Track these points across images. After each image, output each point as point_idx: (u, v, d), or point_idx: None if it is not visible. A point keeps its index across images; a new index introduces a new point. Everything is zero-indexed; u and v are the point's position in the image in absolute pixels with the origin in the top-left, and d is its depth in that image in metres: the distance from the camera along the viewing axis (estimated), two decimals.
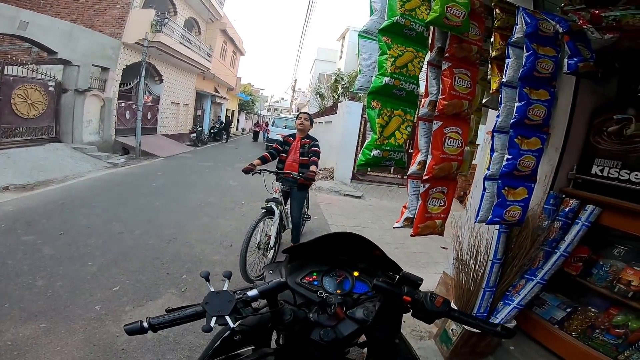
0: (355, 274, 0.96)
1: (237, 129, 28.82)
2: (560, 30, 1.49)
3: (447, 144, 1.35)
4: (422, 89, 1.38)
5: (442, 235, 1.58)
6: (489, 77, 1.78)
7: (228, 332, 0.82)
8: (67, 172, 6.50)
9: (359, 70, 1.32)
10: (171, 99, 13.95)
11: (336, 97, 15.36)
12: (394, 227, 1.46)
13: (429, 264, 3.97)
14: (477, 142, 2.13)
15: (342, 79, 15.46)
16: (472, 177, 3.57)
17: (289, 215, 3.57)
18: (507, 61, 1.54)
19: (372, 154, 1.25)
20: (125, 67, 10.13)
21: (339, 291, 0.91)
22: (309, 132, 3.52)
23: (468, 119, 1.46)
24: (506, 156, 1.56)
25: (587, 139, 2.06)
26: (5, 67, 6.76)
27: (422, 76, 1.34)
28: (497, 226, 1.91)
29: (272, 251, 3.15)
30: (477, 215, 1.66)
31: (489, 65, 1.75)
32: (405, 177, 8.43)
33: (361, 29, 1.34)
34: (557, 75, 1.56)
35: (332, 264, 0.98)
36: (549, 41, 1.51)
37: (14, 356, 1.83)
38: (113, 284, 2.69)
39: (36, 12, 7.79)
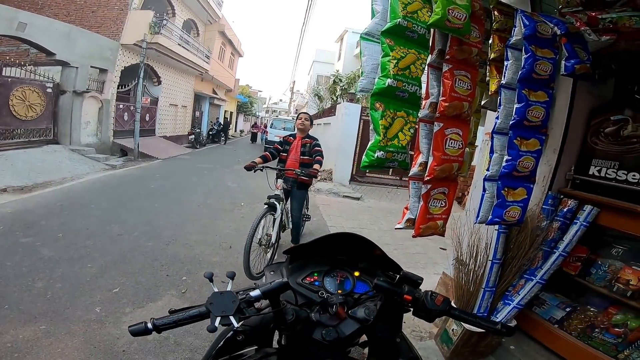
0: (356, 274, 0.97)
1: (235, 131, 28.81)
2: (558, 32, 1.51)
3: (448, 145, 1.37)
4: (422, 91, 1.39)
5: (444, 236, 1.60)
6: (487, 78, 1.80)
7: (231, 332, 0.82)
8: (65, 174, 6.48)
9: (362, 72, 1.33)
10: (169, 101, 13.94)
11: (334, 98, 15.40)
12: (396, 228, 1.47)
13: (428, 264, 3.98)
14: (475, 143, 2.15)
15: (340, 80, 15.51)
16: (470, 178, 3.59)
17: (290, 214, 3.58)
18: (506, 63, 1.56)
19: (376, 155, 1.26)
20: (123, 68, 10.12)
21: (340, 291, 0.92)
22: (308, 132, 3.55)
23: (468, 120, 1.47)
24: (505, 157, 1.57)
25: (585, 140, 2.08)
26: (3, 68, 6.75)
27: (423, 78, 1.35)
28: (497, 226, 1.92)
29: (270, 251, 3.16)
30: (477, 216, 1.68)
31: (488, 66, 1.77)
32: (404, 178, 8.47)
33: (363, 31, 1.36)
34: (555, 77, 1.58)
35: (332, 264, 0.99)
36: (547, 43, 1.53)
37: (15, 358, 1.82)
38: (113, 285, 2.69)
39: (34, 13, 7.78)
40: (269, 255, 3.17)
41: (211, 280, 0.76)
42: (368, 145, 1.28)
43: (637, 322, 1.72)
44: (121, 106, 10.48)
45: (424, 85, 1.34)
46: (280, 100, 44.86)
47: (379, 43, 1.27)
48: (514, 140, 1.54)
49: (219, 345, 0.82)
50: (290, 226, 3.59)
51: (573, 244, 1.89)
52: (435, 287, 2.79)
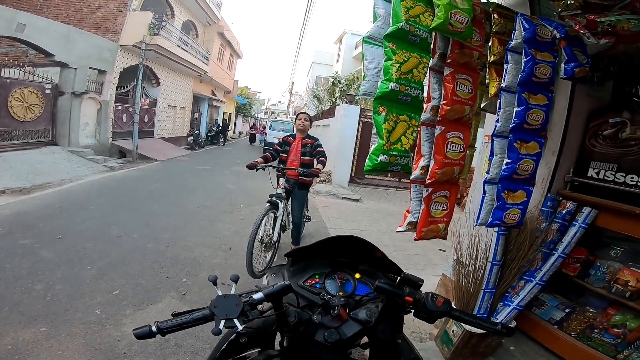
0: (357, 276, 0.98)
1: (234, 132, 28.80)
2: (558, 35, 1.53)
3: (450, 149, 1.38)
4: (424, 95, 1.40)
5: (445, 239, 1.61)
6: (487, 81, 1.81)
7: (234, 335, 0.83)
8: (64, 176, 6.46)
9: (364, 76, 1.34)
10: (168, 102, 13.92)
11: (334, 100, 15.43)
12: (397, 231, 1.48)
13: (427, 266, 3.99)
14: (475, 146, 2.16)
15: (339, 82, 15.54)
16: (469, 180, 3.60)
17: (290, 214, 3.59)
18: (505, 66, 1.57)
19: (379, 159, 1.27)
20: (122, 69, 10.11)
21: (341, 293, 0.93)
22: (308, 132, 3.56)
23: (469, 123, 1.49)
24: (506, 160, 1.59)
25: (583, 143, 2.10)
26: (2, 69, 6.73)
27: (425, 81, 1.36)
28: (496, 228, 1.94)
29: (271, 251, 3.17)
30: (477, 218, 1.69)
31: (487, 69, 1.78)
32: (402, 180, 8.45)
33: (365, 35, 1.37)
34: (554, 80, 1.60)
35: (333, 266, 1.00)
36: (546, 47, 1.54)
37: None
38: (113, 287, 2.68)
39: (33, 15, 7.76)
40: (269, 254, 3.17)
41: (215, 284, 0.77)
42: (371, 149, 1.29)
43: (636, 323, 1.73)
44: (120, 107, 10.47)
45: (425, 89, 1.35)
46: (279, 101, 44.91)
47: (381, 46, 1.28)
48: (514, 144, 1.55)
49: (223, 348, 0.83)
50: (291, 226, 3.59)
51: (572, 246, 1.91)
52: (435, 288, 2.80)
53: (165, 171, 8.48)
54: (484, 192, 1.64)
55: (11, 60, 7.15)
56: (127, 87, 10.45)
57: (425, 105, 1.40)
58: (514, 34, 1.55)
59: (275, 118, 24.36)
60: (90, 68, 8.77)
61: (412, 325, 2.50)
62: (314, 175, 3.23)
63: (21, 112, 7.16)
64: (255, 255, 2.89)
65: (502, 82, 1.57)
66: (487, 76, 1.77)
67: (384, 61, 1.24)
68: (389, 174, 8.97)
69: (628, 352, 1.70)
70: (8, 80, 6.83)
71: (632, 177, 1.82)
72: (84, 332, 2.12)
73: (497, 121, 1.61)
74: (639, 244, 1.80)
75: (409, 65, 1.24)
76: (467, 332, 1.99)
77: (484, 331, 1.86)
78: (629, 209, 1.75)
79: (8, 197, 4.79)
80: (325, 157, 3.38)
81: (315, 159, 3.41)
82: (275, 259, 3.26)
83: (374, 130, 1.30)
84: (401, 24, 1.22)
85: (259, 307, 0.78)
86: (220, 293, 0.75)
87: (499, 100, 1.60)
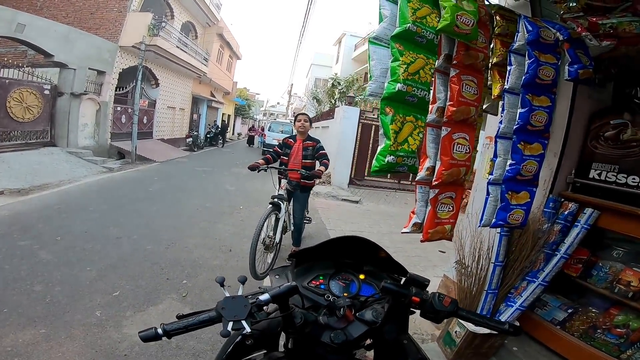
0: (362, 276, 0.98)
1: (233, 134, 28.78)
2: (561, 37, 1.54)
3: (456, 150, 1.38)
4: (430, 96, 1.40)
5: (451, 240, 1.61)
6: (489, 82, 1.82)
7: (240, 337, 0.82)
8: (62, 177, 6.42)
9: (370, 77, 1.34)
10: (167, 103, 13.89)
11: (333, 101, 15.45)
12: (402, 232, 1.47)
13: (428, 267, 3.99)
14: (476, 147, 2.17)
15: (339, 83, 15.56)
16: (470, 181, 3.61)
17: (292, 216, 3.58)
18: (509, 68, 1.58)
19: (386, 160, 1.27)
20: (121, 70, 10.07)
21: (345, 294, 0.93)
22: (308, 133, 3.52)
23: (475, 124, 1.49)
24: (509, 161, 1.59)
25: (585, 144, 2.11)
26: (1, 69, 6.69)
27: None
28: (499, 229, 1.94)
29: (272, 253, 3.16)
30: (481, 219, 1.69)
31: (490, 71, 1.79)
32: (402, 182, 8.44)
33: (371, 36, 1.37)
34: (557, 82, 1.61)
35: (337, 267, 0.99)
36: (549, 48, 1.55)
37: None
38: (113, 289, 2.66)
39: (33, 15, 7.74)
40: (271, 256, 3.16)
41: (222, 285, 0.76)
42: (378, 150, 1.29)
43: (638, 323, 1.74)
44: (119, 108, 10.43)
45: (431, 90, 1.35)
46: (278, 103, 44.95)
47: (387, 47, 1.29)
48: (518, 145, 1.56)
49: (229, 350, 0.82)
50: (292, 228, 3.58)
51: (574, 247, 1.91)
52: (436, 289, 2.80)
53: (165, 172, 8.45)
54: (488, 193, 1.65)
55: (10, 61, 7.12)
56: (126, 88, 10.42)
57: (430, 107, 1.40)
58: (517, 35, 1.56)
59: (274, 119, 24.36)
60: (89, 69, 8.73)
61: (414, 327, 2.49)
62: (317, 177, 3.21)
63: (20, 112, 7.12)
64: (257, 256, 2.88)
65: (506, 83, 1.58)
66: (490, 78, 1.78)
67: (391, 62, 1.25)
68: (388, 175, 9.01)
69: (631, 351, 1.70)
70: (7, 81, 6.79)
71: (633, 178, 1.83)
72: (84, 333, 2.10)
73: (500, 122, 1.62)
74: None
75: (416, 67, 1.25)
76: (470, 333, 1.98)
77: (488, 331, 1.87)
78: (631, 210, 1.76)
79: (6, 198, 4.76)
80: (328, 160, 3.35)
81: (317, 162, 3.39)
82: (278, 262, 3.25)
83: (381, 131, 1.30)
84: (408, 25, 1.23)
85: (265, 308, 0.78)
86: (227, 294, 0.74)
87: (502, 102, 1.61)
